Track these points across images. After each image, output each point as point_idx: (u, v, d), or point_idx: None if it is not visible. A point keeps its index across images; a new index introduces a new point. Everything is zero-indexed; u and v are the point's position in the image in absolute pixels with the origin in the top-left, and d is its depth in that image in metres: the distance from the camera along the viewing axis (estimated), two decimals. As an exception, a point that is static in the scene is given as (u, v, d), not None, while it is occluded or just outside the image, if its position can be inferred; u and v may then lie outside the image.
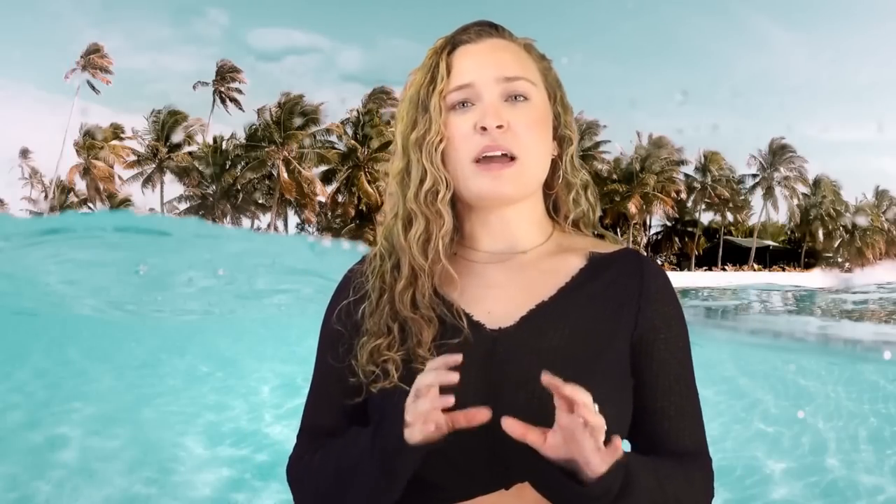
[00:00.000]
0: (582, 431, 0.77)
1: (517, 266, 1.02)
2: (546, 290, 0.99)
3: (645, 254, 1.07)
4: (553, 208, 1.09)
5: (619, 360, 0.96)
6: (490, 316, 0.97)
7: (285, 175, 44.45)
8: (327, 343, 1.05)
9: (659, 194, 47.83)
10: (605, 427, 0.79)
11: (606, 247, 1.06)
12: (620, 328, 0.97)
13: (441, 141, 0.97)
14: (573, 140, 1.07)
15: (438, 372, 0.81)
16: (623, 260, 1.03)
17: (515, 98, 0.99)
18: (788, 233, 53.27)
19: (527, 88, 0.99)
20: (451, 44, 1.02)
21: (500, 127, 0.95)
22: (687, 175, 49.89)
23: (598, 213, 1.11)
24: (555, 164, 1.06)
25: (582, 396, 0.77)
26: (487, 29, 1.03)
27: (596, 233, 1.11)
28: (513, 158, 0.96)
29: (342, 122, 46.33)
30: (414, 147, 0.99)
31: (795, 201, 49.88)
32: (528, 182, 1.00)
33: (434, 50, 1.02)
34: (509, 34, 1.04)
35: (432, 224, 0.98)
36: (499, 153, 0.96)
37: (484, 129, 0.95)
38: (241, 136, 46.33)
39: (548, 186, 1.06)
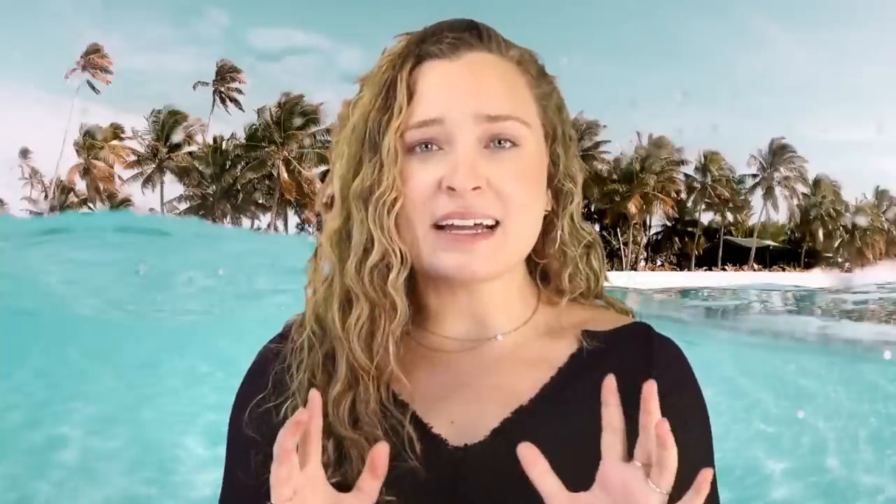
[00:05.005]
0: (644, 486, 0.59)
1: (490, 356, 0.77)
2: (526, 390, 0.74)
3: (655, 330, 0.80)
4: (540, 275, 0.82)
5: None
6: (454, 427, 0.72)
7: (285, 175, 44.46)
8: (237, 451, 0.76)
9: (659, 194, 47.79)
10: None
11: (607, 320, 0.80)
12: None
13: (396, 199, 0.70)
14: (574, 194, 0.78)
15: (287, 430, 0.61)
16: (627, 341, 0.77)
17: (499, 143, 0.71)
18: (788, 233, 53.26)
19: (516, 131, 0.72)
20: (416, 56, 0.72)
21: (476, 189, 0.69)
22: (687, 175, 49.92)
23: (605, 280, 0.83)
24: (548, 222, 0.78)
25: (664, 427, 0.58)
26: (467, 37, 0.73)
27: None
28: (491, 227, 0.71)
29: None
30: (357, 201, 0.71)
31: (795, 201, 50.01)
32: (510, 257, 0.74)
33: (390, 60, 0.73)
34: (497, 42, 0.75)
35: (379, 311, 0.72)
36: (471, 222, 0.70)
37: (452, 189, 0.69)
38: (241, 136, 46.46)
39: (536, 252, 0.79)
